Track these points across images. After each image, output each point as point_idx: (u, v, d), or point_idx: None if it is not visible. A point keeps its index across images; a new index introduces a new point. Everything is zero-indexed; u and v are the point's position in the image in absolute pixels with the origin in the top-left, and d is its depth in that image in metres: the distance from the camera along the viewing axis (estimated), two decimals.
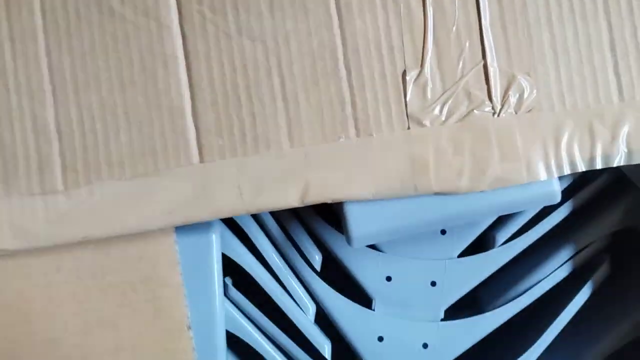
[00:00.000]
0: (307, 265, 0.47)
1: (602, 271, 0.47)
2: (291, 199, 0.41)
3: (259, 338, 0.45)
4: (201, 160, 0.41)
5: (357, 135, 0.41)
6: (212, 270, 0.42)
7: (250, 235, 0.46)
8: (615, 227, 0.46)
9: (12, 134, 0.41)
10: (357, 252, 0.47)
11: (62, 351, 0.41)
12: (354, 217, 0.41)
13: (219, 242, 0.42)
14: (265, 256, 0.46)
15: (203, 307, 0.42)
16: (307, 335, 0.46)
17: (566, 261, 0.47)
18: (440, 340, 0.47)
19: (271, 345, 0.46)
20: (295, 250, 0.47)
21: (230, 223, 0.46)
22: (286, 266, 0.46)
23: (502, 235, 0.47)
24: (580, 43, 0.40)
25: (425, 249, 0.47)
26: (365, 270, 0.47)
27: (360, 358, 0.47)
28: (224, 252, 0.44)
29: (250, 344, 0.46)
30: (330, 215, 0.47)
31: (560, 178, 0.44)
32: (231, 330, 0.46)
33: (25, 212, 0.41)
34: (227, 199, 0.41)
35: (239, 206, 0.41)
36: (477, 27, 0.41)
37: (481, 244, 0.48)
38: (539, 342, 0.46)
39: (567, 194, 0.46)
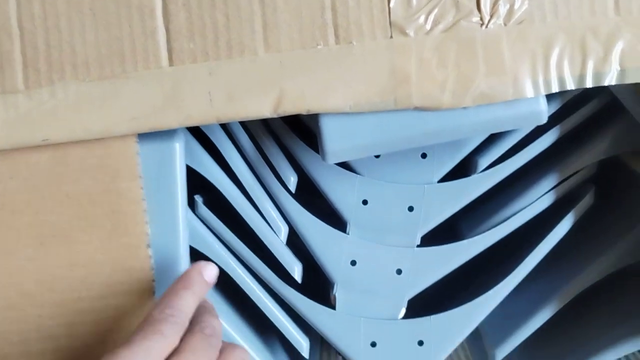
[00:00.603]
0: (281, 186, 0.44)
1: (585, 201, 0.44)
2: (264, 109, 0.38)
3: (227, 257, 0.43)
4: (171, 64, 0.38)
5: (337, 42, 0.38)
6: (175, 182, 0.39)
7: (221, 150, 0.43)
8: (602, 156, 0.44)
9: None
10: (333, 173, 0.45)
11: (14, 263, 0.38)
12: (330, 131, 0.39)
13: (182, 152, 0.39)
14: (236, 172, 0.43)
15: (165, 223, 0.39)
16: (276, 255, 0.43)
17: (549, 190, 0.45)
18: (415, 267, 0.44)
19: (240, 265, 0.44)
20: (269, 170, 0.44)
21: (202, 140, 0.43)
22: (258, 184, 0.44)
23: (485, 160, 0.44)
24: None
25: (404, 173, 0.45)
26: (341, 192, 0.45)
27: (332, 282, 0.45)
28: (190, 164, 0.42)
29: (218, 263, 0.43)
30: (307, 134, 0.44)
31: (549, 102, 0.41)
32: (199, 249, 0.43)
33: None
34: (197, 105, 0.38)
35: (208, 113, 0.38)
36: None
37: (464, 171, 0.46)
38: (516, 271, 0.44)
39: (554, 121, 0.43)
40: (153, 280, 0.38)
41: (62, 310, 0.38)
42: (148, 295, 0.38)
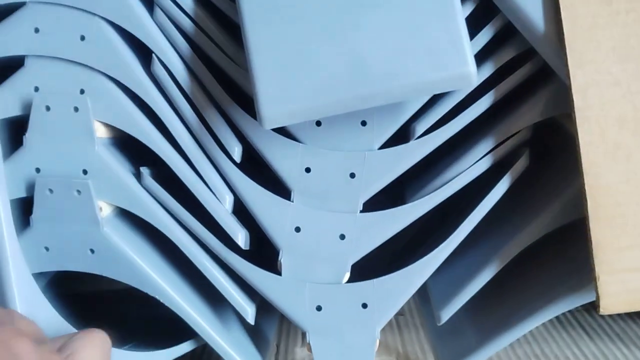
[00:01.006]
0: (225, 156, 0.44)
1: (520, 163, 0.45)
2: None
3: (173, 225, 0.43)
4: None
5: None
6: None
7: (164, 121, 0.43)
8: (535, 119, 0.45)
9: None
10: (276, 142, 0.45)
11: None
12: (266, 92, 0.39)
13: None
14: (179, 142, 0.43)
15: None
16: (220, 222, 0.44)
17: (486, 154, 0.45)
18: (358, 232, 0.45)
19: (185, 234, 0.44)
20: (212, 140, 0.44)
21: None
22: (202, 153, 0.44)
23: (422, 127, 0.45)
24: None
25: (345, 141, 0.45)
26: (284, 161, 0.45)
27: (277, 249, 0.45)
28: (134, 135, 0.42)
29: (164, 232, 0.44)
30: (248, 104, 0.45)
31: (481, 68, 0.42)
32: (145, 218, 0.43)
33: None
34: None
35: None
36: None
37: (403, 139, 0.46)
38: (455, 233, 0.45)
39: (488, 86, 0.44)
40: None
41: None
42: None
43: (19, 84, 0.43)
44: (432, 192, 0.45)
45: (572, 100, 0.41)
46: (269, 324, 0.55)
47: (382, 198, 0.47)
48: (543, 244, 0.46)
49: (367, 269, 0.47)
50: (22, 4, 0.43)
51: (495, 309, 0.50)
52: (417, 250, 0.50)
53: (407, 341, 0.57)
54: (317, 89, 0.39)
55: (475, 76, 0.39)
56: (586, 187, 0.40)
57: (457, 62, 0.39)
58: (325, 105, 0.40)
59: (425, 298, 0.52)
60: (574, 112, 0.41)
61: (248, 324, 0.47)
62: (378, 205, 0.46)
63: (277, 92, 0.39)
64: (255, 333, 0.51)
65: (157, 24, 0.43)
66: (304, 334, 0.46)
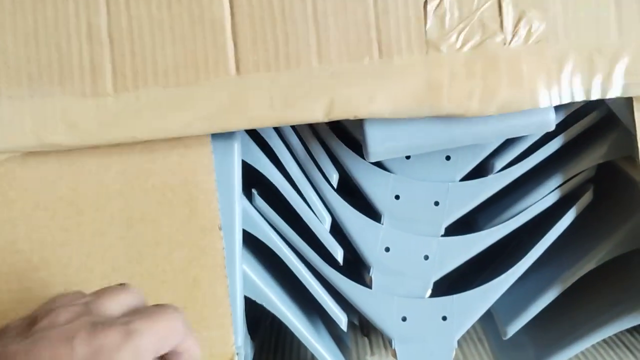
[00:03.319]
0: (325, 181, 0.47)
1: (585, 198, 0.47)
2: (317, 114, 0.41)
3: (278, 241, 0.46)
4: (237, 73, 0.41)
5: (380, 56, 0.41)
6: (233, 175, 0.42)
7: (274, 149, 0.46)
8: (600, 160, 0.47)
9: (69, 40, 0.41)
10: (370, 172, 0.47)
11: (107, 241, 0.41)
12: (373, 133, 0.42)
13: (239, 149, 0.42)
14: (286, 167, 0.46)
15: (225, 209, 0.42)
16: (322, 240, 0.46)
17: (555, 189, 0.47)
18: (440, 253, 0.47)
19: (289, 249, 0.46)
20: (315, 167, 0.47)
21: (259, 141, 0.46)
22: (306, 179, 0.46)
23: (500, 162, 0.47)
24: None
25: (431, 173, 0.47)
26: (377, 189, 0.47)
27: (368, 266, 0.47)
28: (247, 160, 0.44)
29: (271, 247, 0.46)
30: (348, 138, 0.47)
31: (555, 112, 0.44)
32: (254, 234, 0.46)
33: (79, 112, 0.41)
34: (260, 109, 0.41)
35: (270, 116, 0.41)
36: None
37: (482, 171, 0.48)
38: (526, 257, 0.47)
39: (559, 129, 0.46)
40: (224, 257, 0.41)
41: (149, 282, 0.40)
42: (220, 269, 0.41)
43: None
44: (506, 220, 0.48)
45: (637, 147, 0.43)
46: (346, 334, 0.57)
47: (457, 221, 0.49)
48: (600, 267, 0.48)
49: (442, 282, 0.49)
50: None
51: (553, 326, 0.52)
52: (487, 269, 0.52)
53: (467, 354, 0.58)
54: (417, 129, 0.42)
55: (554, 122, 0.42)
56: None
57: (541, 110, 0.41)
58: (422, 144, 0.42)
59: (486, 314, 0.54)
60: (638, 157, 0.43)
61: (332, 332, 0.49)
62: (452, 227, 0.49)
63: (383, 131, 0.42)
64: (339, 341, 0.53)
65: None
66: (372, 344, 0.48)
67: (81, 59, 0.41)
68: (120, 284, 0.33)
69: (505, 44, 0.41)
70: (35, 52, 0.41)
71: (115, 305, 0.31)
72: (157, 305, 0.31)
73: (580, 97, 0.40)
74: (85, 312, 0.29)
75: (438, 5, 0.41)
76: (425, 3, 0.41)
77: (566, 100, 0.40)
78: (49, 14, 0.41)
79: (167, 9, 0.41)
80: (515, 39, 0.40)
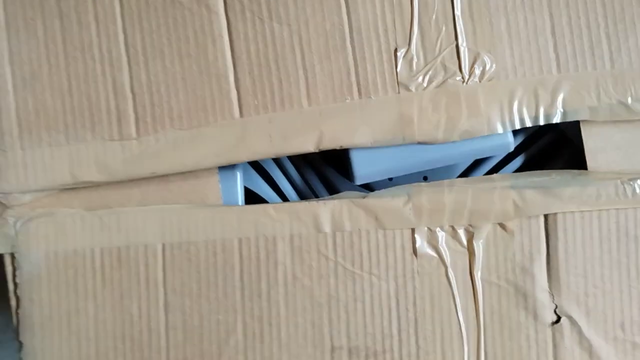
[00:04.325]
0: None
1: None
2: (309, 145, 0.48)
3: None
4: (241, 115, 0.48)
5: (360, 97, 0.48)
6: (237, 199, 0.49)
7: (274, 178, 0.53)
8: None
9: (97, 94, 0.48)
10: None
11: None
12: (358, 160, 0.49)
13: (241, 178, 0.49)
14: (285, 193, 0.53)
15: None
16: None
17: None
18: None
19: None
20: (309, 190, 0.54)
21: (259, 172, 0.53)
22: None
23: None
24: (528, 28, 0.48)
25: None
26: None
27: None
28: (248, 186, 0.51)
29: None
30: (339, 166, 0.54)
31: (515, 135, 0.51)
32: None
33: (107, 153, 0.48)
34: (260, 144, 0.48)
35: (269, 150, 0.48)
36: (451, 16, 0.48)
37: None
38: None
39: (520, 149, 0.53)
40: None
41: None
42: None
43: None
44: None
45: (586, 162, 0.50)
46: None
47: None
48: None
49: None
50: None
51: None
52: None
53: None
54: (397, 155, 0.49)
55: (513, 145, 0.49)
56: None
57: (500, 135, 0.48)
58: (401, 167, 0.49)
59: None
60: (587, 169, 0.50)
61: None
62: None
63: (367, 157, 0.49)
64: None
65: None
66: None
67: (108, 108, 0.48)
68: None
69: (463, 82, 0.48)
70: (70, 104, 0.48)
71: None
72: None
73: (529, 123, 0.47)
74: None
75: (406, 52, 0.48)
76: (396, 50, 0.48)
77: (518, 126, 0.47)
78: (80, 72, 0.48)
79: (179, 63, 0.48)
80: (472, 77, 0.48)
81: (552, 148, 0.54)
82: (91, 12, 0.48)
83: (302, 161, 0.53)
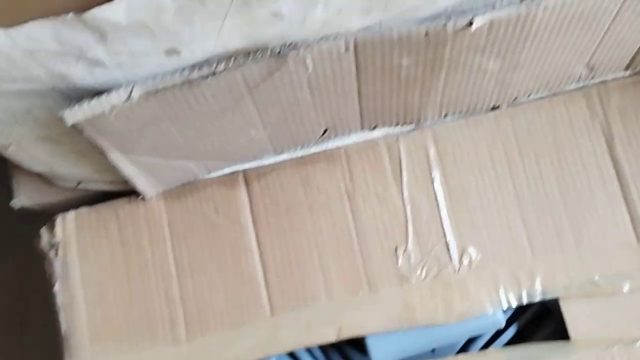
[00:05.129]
0: None
1: None
2: (331, 336, 0.56)
3: None
4: (272, 315, 0.57)
5: (369, 290, 0.57)
6: None
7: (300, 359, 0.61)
8: (546, 338, 0.61)
9: (152, 305, 0.58)
10: None
11: None
12: (374, 345, 0.57)
13: None
14: None
15: None
16: None
17: None
18: None
19: None
20: None
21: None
22: None
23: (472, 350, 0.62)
24: (502, 222, 0.58)
25: None
26: None
27: None
28: None
29: None
30: (359, 345, 0.62)
31: (504, 311, 0.59)
32: None
33: (162, 358, 0.57)
34: (290, 338, 0.56)
35: (297, 343, 0.56)
36: (438, 216, 0.58)
37: None
38: None
39: (512, 319, 0.61)
40: None
41: None
42: None
43: None
44: None
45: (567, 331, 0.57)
46: None
47: None
48: None
49: None
50: None
51: None
52: None
53: None
54: (404, 337, 0.57)
55: (503, 321, 0.57)
56: None
57: (491, 314, 0.57)
58: (411, 347, 0.57)
59: None
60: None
61: None
62: None
63: (382, 341, 0.57)
64: None
65: None
66: None
67: (162, 317, 0.57)
68: None
69: (455, 271, 0.57)
70: (131, 315, 0.58)
71: None
72: None
73: (515, 303, 0.56)
74: None
75: (405, 250, 0.58)
76: (396, 249, 0.58)
77: (505, 306, 0.56)
78: (138, 287, 0.58)
79: (218, 272, 0.58)
80: (461, 267, 0.57)
81: (540, 318, 0.62)
82: (146, 237, 0.59)
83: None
